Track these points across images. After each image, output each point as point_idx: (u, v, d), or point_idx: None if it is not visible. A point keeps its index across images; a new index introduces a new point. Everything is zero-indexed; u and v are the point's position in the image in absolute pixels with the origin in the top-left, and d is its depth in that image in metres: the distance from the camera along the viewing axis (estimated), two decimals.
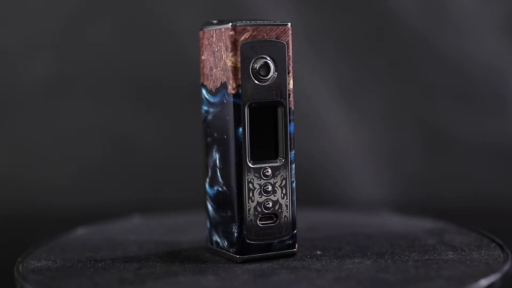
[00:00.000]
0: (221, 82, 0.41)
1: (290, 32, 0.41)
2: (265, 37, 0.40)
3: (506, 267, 0.39)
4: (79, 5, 0.78)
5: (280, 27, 0.40)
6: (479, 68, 0.79)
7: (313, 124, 0.79)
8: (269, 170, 0.41)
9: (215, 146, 0.42)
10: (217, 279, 0.39)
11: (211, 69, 0.42)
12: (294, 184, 0.41)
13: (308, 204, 0.62)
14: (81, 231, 0.51)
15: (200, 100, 0.43)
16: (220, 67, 0.41)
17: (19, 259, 0.43)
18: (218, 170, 0.42)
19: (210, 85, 0.42)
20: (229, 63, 0.40)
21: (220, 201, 0.42)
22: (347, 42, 0.79)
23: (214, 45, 0.41)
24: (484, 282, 0.37)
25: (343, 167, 0.79)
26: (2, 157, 0.78)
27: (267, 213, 0.41)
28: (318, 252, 0.43)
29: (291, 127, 0.41)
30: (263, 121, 0.41)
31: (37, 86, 0.78)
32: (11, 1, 0.78)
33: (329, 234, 0.48)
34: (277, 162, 0.41)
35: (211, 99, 0.42)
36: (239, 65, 0.40)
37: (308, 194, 0.77)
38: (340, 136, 0.79)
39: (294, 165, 0.41)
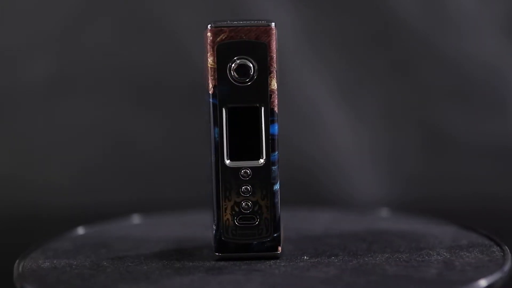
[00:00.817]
0: (207, 82, 0.41)
1: (274, 32, 0.40)
2: (244, 37, 0.40)
3: (506, 267, 0.39)
4: (79, 5, 0.78)
5: (261, 27, 0.40)
6: (479, 68, 0.79)
7: (313, 124, 0.79)
8: (248, 171, 0.41)
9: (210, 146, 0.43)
10: (173, 273, 0.40)
11: (206, 69, 0.42)
12: (276, 186, 0.41)
13: (308, 204, 0.62)
14: (81, 231, 0.51)
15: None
16: (207, 67, 0.41)
17: (19, 259, 0.43)
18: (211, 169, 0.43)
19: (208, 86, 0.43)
20: (208, 64, 0.41)
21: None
22: (347, 42, 0.79)
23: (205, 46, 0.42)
24: (484, 282, 0.37)
25: (343, 167, 0.79)
26: (2, 157, 0.78)
27: (245, 213, 0.41)
28: (305, 257, 0.43)
29: (273, 128, 0.41)
30: (244, 122, 0.41)
31: (37, 86, 0.78)
32: (11, 1, 0.78)
33: (330, 236, 0.48)
34: (257, 163, 0.41)
35: (208, 99, 0.42)
36: (215, 66, 0.41)
37: (308, 194, 0.77)
38: (340, 136, 0.79)
39: (276, 167, 0.41)
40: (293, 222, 0.49)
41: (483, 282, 0.37)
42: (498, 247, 0.43)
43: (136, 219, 0.55)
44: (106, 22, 0.79)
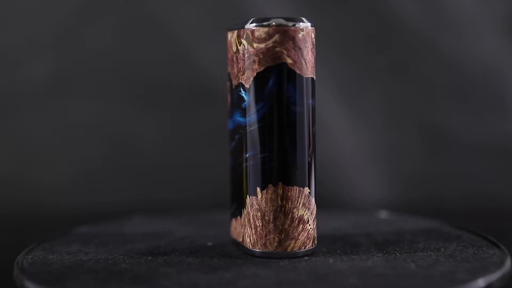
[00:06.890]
0: None
1: None
2: None
3: (504, 267, 0.39)
4: (79, 4, 0.78)
5: None
6: (479, 68, 0.79)
7: None
8: None
9: None
10: (172, 271, 0.40)
11: None
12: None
13: None
14: (81, 231, 0.51)
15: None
16: None
17: (19, 258, 0.43)
18: None
19: None
20: None
21: None
22: (346, 42, 0.79)
23: None
24: (482, 282, 0.37)
25: (343, 167, 0.79)
26: (2, 157, 0.78)
27: None
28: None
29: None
30: None
31: (38, 86, 0.78)
32: (11, 1, 0.78)
33: (322, 236, 0.48)
34: None
35: None
36: None
37: None
38: (341, 136, 0.79)
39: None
40: None
41: (481, 281, 0.37)
42: (496, 247, 0.43)
43: (136, 219, 0.56)
44: (106, 22, 0.79)
